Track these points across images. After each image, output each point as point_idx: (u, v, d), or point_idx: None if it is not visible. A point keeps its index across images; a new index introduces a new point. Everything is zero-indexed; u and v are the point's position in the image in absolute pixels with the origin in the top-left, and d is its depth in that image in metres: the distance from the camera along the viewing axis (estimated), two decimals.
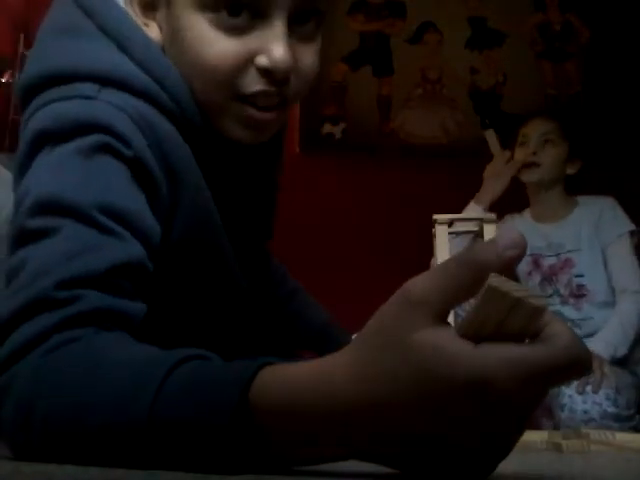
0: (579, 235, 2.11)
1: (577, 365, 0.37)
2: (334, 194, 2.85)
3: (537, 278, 2.14)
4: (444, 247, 1.12)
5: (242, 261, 0.80)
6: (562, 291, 2.09)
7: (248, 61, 0.66)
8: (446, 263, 0.39)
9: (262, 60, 0.66)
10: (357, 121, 3.01)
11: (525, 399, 0.37)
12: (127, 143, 0.63)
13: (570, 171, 2.16)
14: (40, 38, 0.72)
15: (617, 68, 2.99)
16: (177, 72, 0.69)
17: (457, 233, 1.31)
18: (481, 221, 1.13)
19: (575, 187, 2.18)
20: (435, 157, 2.91)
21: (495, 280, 0.36)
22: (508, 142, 2.65)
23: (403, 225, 2.67)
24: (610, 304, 2.03)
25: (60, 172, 0.61)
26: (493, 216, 1.13)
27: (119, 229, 0.60)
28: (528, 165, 2.15)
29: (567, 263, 2.10)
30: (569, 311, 2.07)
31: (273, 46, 0.65)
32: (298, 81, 0.70)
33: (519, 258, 0.38)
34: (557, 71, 3.07)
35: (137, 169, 0.64)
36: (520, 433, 0.40)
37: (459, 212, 1.16)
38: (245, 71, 0.67)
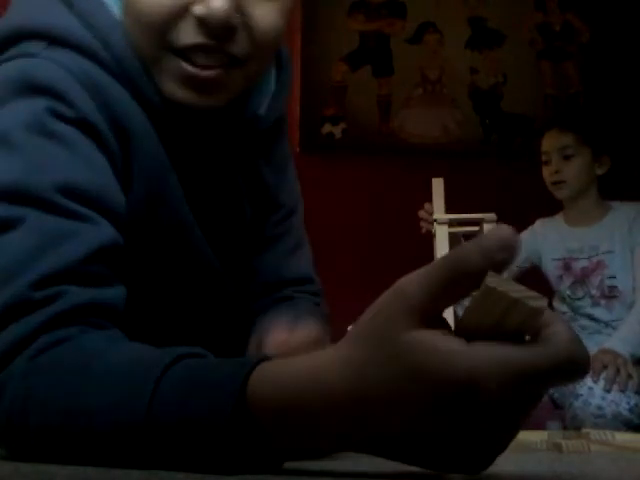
0: (613, 237, 2.12)
1: (573, 368, 0.36)
2: (334, 194, 2.85)
3: (568, 281, 2.15)
4: (444, 247, 1.12)
5: (217, 243, 0.75)
6: (593, 292, 2.10)
7: (184, 9, 0.61)
8: (434, 263, 0.39)
9: (198, 8, 0.61)
10: (357, 121, 3.01)
11: (517, 399, 0.37)
12: (71, 104, 0.60)
13: (599, 172, 2.17)
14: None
15: (617, 68, 3.00)
16: (121, 31, 0.65)
17: (457, 233, 1.31)
18: (481, 221, 1.13)
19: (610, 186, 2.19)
20: (435, 157, 2.91)
21: (493, 279, 0.35)
22: (509, 143, 2.65)
23: (403, 225, 2.67)
24: None
25: (14, 154, 0.58)
26: (493, 216, 1.13)
27: (85, 210, 0.57)
28: (555, 183, 2.17)
29: (599, 265, 2.11)
30: (600, 312, 2.09)
31: None
32: (251, 39, 0.64)
33: (507, 260, 0.36)
34: (557, 71, 3.07)
35: (86, 130, 0.61)
36: (516, 430, 0.39)
37: (459, 212, 1.16)
38: (181, 21, 0.62)
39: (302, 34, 2.90)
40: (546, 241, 2.24)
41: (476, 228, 1.16)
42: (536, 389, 0.37)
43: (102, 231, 0.58)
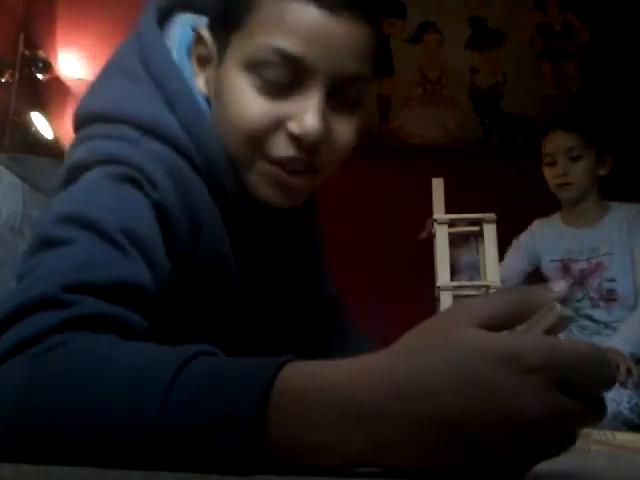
0: (612, 239, 2.11)
1: (601, 361, 0.39)
2: (334, 194, 2.84)
3: (567, 283, 2.14)
4: (444, 247, 1.12)
5: (262, 305, 0.84)
6: (592, 294, 2.10)
7: (280, 124, 0.68)
8: (507, 292, 0.45)
9: (293, 126, 0.67)
10: None
11: (556, 380, 0.38)
12: (155, 187, 0.66)
13: (602, 172, 2.15)
14: (102, 74, 0.76)
15: (617, 68, 3.00)
16: (215, 136, 0.71)
17: (457, 233, 1.31)
18: (481, 221, 1.13)
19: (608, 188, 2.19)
20: (435, 157, 2.91)
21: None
22: (509, 143, 2.65)
23: (403, 225, 2.68)
24: None
25: (91, 192, 0.63)
26: (493, 216, 1.13)
27: (135, 253, 0.61)
28: (561, 185, 2.15)
29: (598, 267, 2.10)
30: (600, 313, 2.08)
31: (306, 115, 0.67)
32: (330, 151, 0.70)
33: (560, 300, 0.42)
34: (557, 71, 3.07)
35: (160, 213, 0.67)
36: (547, 445, 0.39)
37: (459, 212, 1.16)
38: (276, 133, 0.68)
39: None
40: (544, 242, 2.24)
41: (476, 228, 1.16)
42: (569, 374, 0.38)
43: (142, 274, 0.61)
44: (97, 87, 0.76)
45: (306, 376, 0.42)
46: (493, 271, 1.10)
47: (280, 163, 0.69)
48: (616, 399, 1.79)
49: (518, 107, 3.01)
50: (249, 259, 0.80)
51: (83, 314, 0.53)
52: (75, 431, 0.46)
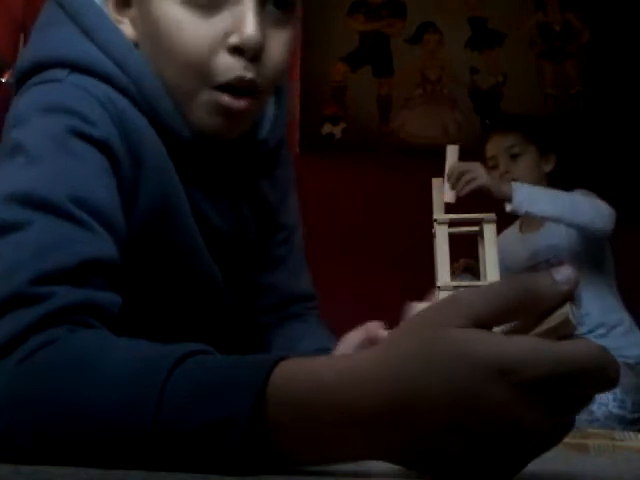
0: (560, 240, 2.09)
1: (606, 366, 0.37)
2: (334, 194, 2.84)
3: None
4: (444, 247, 1.12)
5: (221, 260, 0.79)
6: None
7: (220, 43, 0.67)
8: (501, 281, 0.41)
9: (233, 39, 0.66)
10: (357, 121, 3.01)
11: (555, 390, 0.37)
12: (93, 125, 0.64)
13: (547, 168, 2.15)
14: (30, 35, 0.75)
15: (617, 68, 3.00)
16: (138, 55, 0.70)
17: (457, 233, 1.31)
18: (481, 221, 1.13)
19: (565, 184, 2.17)
20: (435, 157, 2.91)
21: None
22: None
23: (403, 225, 2.67)
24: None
25: (32, 165, 0.60)
26: (493, 216, 1.13)
27: (93, 223, 0.59)
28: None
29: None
30: None
31: (243, 24, 0.66)
32: (267, 67, 0.69)
33: (570, 293, 0.39)
34: (557, 71, 3.07)
35: (104, 151, 0.64)
36: (542, 441, 0.39)
37: (459, 212, 1.16)
38: (217, 54, 0.67)
39: (302, 34, 2.90)
40: (509, 256, 2.20)
41: (476, 228, 1.16)
42: (569, 385, 0.37)
43: (105, 245, 0.60)
44: (27, 47, 0.74)
45: (301, 374, 0.42)
46: (493, 271, 1.10)
47: (224, 87, 0.67)
48: (603, 401, 1.79)
49: (518, 107, 3.00)
50: (207, 212, 0.76)
51: (58, 307, 0.52)
52: (71, 436, 0.45)
